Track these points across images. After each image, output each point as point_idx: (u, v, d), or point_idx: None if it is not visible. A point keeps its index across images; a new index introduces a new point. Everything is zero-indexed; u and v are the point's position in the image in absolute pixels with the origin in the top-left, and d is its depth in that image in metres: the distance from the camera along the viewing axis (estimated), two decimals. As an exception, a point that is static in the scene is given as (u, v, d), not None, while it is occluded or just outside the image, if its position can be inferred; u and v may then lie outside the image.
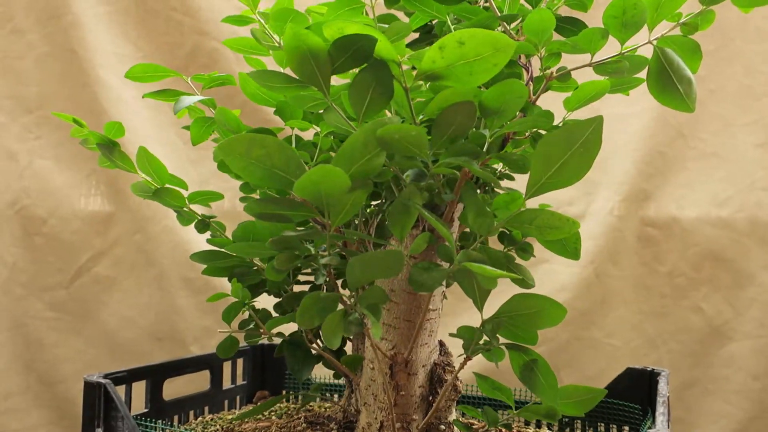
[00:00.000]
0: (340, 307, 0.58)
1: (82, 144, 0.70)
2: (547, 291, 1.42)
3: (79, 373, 1.34)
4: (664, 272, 1.41)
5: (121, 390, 0.82)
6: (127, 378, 0.84)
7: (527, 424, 0.91)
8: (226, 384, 1.03)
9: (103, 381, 0.76)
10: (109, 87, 1.36)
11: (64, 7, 1.35)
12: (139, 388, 0.87)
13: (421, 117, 0.60)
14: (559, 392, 0.62)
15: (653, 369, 0.88)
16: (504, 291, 1.45)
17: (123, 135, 0.72)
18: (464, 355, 0.63)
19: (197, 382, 1.02)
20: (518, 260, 0.80)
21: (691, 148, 1.42)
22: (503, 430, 0.74)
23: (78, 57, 1.35)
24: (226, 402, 1.02)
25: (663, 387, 0.78)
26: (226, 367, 1.03)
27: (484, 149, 0.59)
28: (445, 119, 0.55)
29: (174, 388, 0.95)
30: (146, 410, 0.89)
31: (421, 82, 0.64)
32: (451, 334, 0.66)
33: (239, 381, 1.07)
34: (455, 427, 0.72)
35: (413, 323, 0.68)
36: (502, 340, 0.62)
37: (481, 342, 0.61)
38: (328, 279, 0.64)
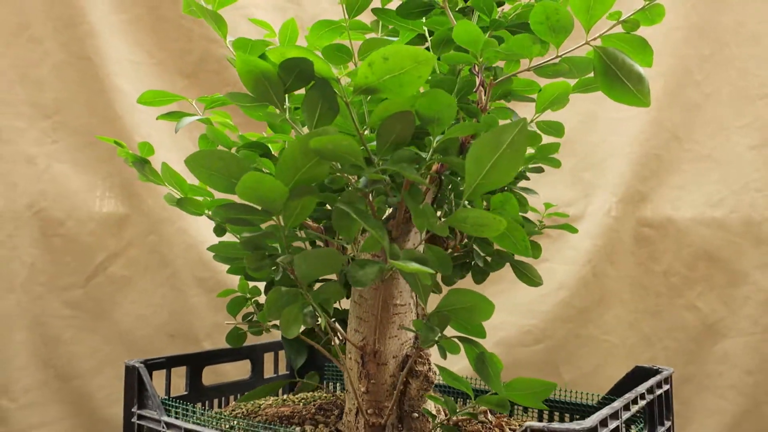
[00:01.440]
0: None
1: (126, 161, 0.76)
2: (546, 290, 1.47)
3: (95, 369, 1.39)
4: (659, 271, 1.45)
5: (162, 375, 0.93)
6: (165, 364, 0.95)
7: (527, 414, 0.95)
8: (268, 374, 1.13)
9: (137, 365, 0.86)
10: (124, 93, 1.41)
11: (79, 16, 1.39)
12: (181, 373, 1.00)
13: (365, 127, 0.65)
14: (514, 384, 0.67)
15: (658, 368, 0.90)
16: (511, 289, 1.49)
17: (153, 154, 0.79)
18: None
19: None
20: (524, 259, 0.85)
21: (686, 151, 1.46)
22: (488, 416, 0.79)
23: (93, 64, 1.40)
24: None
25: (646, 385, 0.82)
26: (268, 357, 1.13)
27: (429, 154, 0.63)
28: (386, 128, 0.61)
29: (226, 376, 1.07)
30: (185, 393, 0.99)
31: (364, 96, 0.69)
32: (402, 327, 0.71)
33: (281, 371, 1.16)
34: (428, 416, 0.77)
35: (380, 317, 0.74)
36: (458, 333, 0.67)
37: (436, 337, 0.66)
38: (291, 276, 0.68)
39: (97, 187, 1.41)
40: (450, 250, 0.87)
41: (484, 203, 0.83)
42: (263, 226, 0.67)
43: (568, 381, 1.46)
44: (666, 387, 0.87)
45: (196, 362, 1.00)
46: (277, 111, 0.63)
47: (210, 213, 0.77)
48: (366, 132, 0.65)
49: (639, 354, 1.45)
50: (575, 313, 1.46)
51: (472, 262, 0.87)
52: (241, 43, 0.70)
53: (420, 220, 0.61)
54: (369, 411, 0.74)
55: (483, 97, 0.69)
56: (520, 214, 0.88)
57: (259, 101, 0.63)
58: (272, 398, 1.03)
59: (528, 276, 0.84)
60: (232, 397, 1.06)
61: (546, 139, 0.83)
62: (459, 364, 1.48)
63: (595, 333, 1.46)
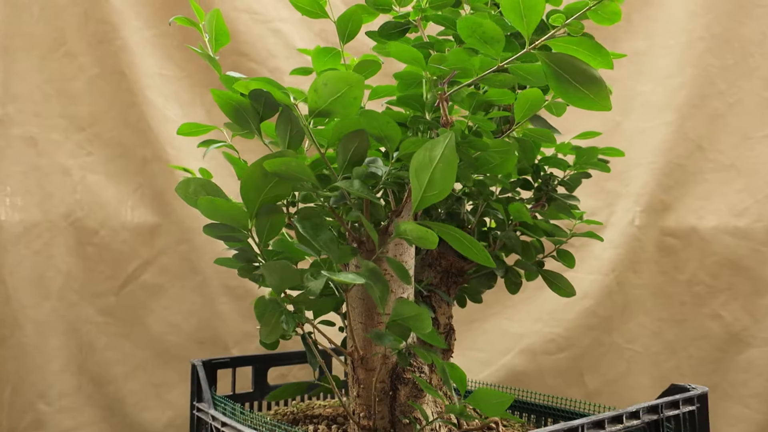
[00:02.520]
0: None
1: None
2: (569, 298, 1.48)
3: (128, 374, 1.43)
4: (683, 280, 1.46)
5: (227, 373, 1.04)
6: (230, 363, 1.04)
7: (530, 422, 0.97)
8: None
9: (196, 363, 0.96)
10: (155, 106, 1.45)
11: (113, 32, 1.44)
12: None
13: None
14: (477, 394, 0.70)
15: (691, 386, 0.87)
16: (535, 297, 1.51)
17: (211, 177, 0.81)
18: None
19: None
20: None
21: (709, 161, 1.47)
22: (492, 426, 0.81)
23: (126, 78, 1.44)
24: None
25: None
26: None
27: (386, 170, 0.68)
28: (342, 147, 0.66)
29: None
30: (251, 391, 1.06)
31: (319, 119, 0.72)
32: (367, 335, 0.74)
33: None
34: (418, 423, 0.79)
35: (365, 325, 0.76)
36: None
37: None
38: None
39: (130, 197, 1.46)
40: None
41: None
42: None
43: (591, 389, 1.47)
44: (690, 407, 0.84)
45: (259, 363, 1.08)
46: (257, 136, 0.70)
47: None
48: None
49: (662, 363, 1.46)
50: (599, 321, 1.47)
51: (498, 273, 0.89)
52: (227, 80, 0.73)
53: (373, 233, 0.66)
54: (361, 414, 0.78)
55: (443, 111, 0.71)
56: (552, 221, 0.90)
57: (242, 129, 0.70)
58: (330, 399, 1.09)
59: (558, 286, 0.86)
60: (298, 398, 1.11)
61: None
62: (482, 373, 1.50)
63: (618, 341, 1.47)
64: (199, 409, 0.94)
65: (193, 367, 0.98)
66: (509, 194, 0.90)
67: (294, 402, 1.10)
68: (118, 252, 1.44)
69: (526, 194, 0.92)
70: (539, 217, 0.91)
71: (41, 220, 1.41)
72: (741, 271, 1.43)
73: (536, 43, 0.61)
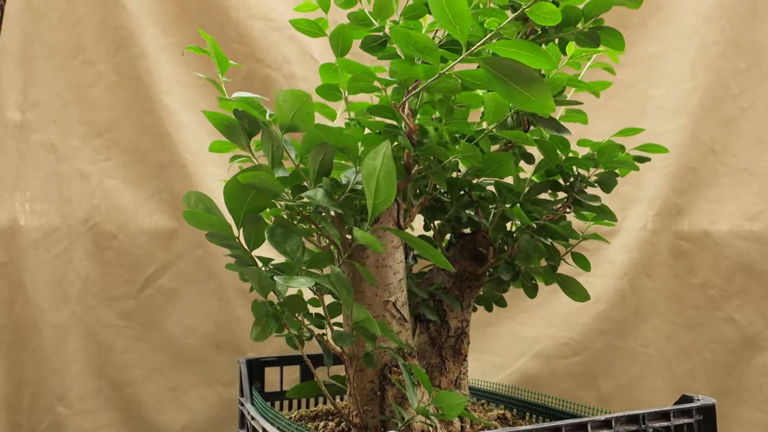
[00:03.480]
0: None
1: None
2: (583, 303, 1.48)
3: (146, 377, 1.45)
4: (696, 284, 1.46)
5: (275, 371, 1.12)
6: (276, 362, 1.11)
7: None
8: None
9: (240, 361, 1.03)
10: (172, 112, 1.47)
11: (131, 39, 1.46)
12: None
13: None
14: (439, 397, 0.73)
15: (698, 397, 0.83)
16: (548, 302, 1.51)
17: None
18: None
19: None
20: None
21: (722, 164, 1.47)
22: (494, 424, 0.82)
23: (144, 85, 1.46)
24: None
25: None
26: None
27: (353, 179, 0.72)
28: (312, 159, 0.71)
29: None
30: None
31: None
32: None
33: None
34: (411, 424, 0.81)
35: (350, 327, 0.78)
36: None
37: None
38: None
39: (147, 202, 1.47)
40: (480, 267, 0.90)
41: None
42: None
43: (605, 393, 1.47)
44: (689, 419, 0.79)
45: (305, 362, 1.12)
46: (247, 150, 0.76)
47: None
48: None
49: (676, 367, 1.46)
50: (612, 325, 1.48)
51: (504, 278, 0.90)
52: (226, 103, 0.76)
53: (336, 240, 0.71)
54: (354, 412, 0.80)
55: (407, 119, 0.74)
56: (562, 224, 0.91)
57: (235, 145, 0.76)
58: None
59: (572, 290, 0.87)
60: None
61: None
62: (496, 376, 1.50)
63: (632, 345, 1.48)
64: (241, 404, 1.01)
65: (239, 364, 1.06)
66: (535, 197, 0.91)
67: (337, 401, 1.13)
68: (135, 256, 1.45)
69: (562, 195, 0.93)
70: (568, 217, 0.91)
71: (60, 224, 1.43)
72: (755, 274, 1.43)
73: (472, 48, 0.62)
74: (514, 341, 1.55)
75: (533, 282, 0.92)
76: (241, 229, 0.72)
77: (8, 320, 1.40)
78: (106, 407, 1.43)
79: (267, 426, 0.83)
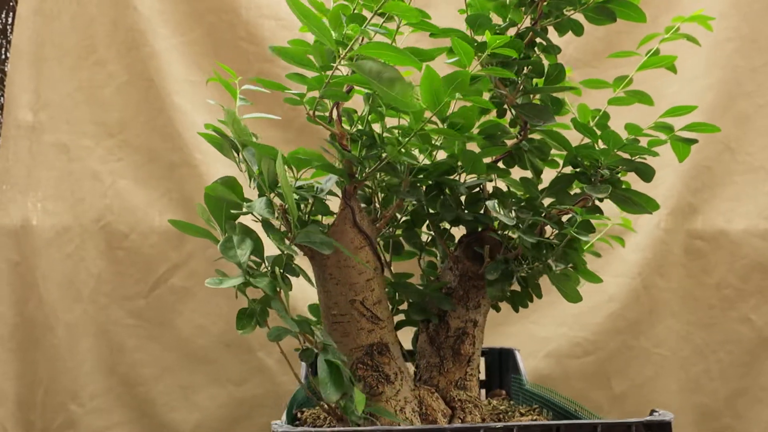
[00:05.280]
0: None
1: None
2: (595, 302, 1.47)
3: (157, 376, 1.45)
4: (712, 284, 1.44)
5: None
6: None
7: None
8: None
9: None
10: (183, 112, 1.47)
11: (142, 39, 1.47)
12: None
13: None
14: (356, 394, 0.75)
15: (657, 411, 0.76)
16: (560, 301, 1.49)
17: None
18: None
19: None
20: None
21: (738, 162, 1.45)
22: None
23: (155, 85, 1.47)
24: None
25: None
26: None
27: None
28: (264, 170, 0.76)
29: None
30: None
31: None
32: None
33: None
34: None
35: (325, 323, 0.85)
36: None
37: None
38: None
39: (158, 202, 1.48)
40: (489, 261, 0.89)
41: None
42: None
43: (618, 393, 1.46)
44: None
45: None
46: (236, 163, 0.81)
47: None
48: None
49: (691, 367, 1.44)
50: (626, 325, 1.46)
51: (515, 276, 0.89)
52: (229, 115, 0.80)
53: (275, 243, 0.77)
54: (334, 407, 0.81)
55: (329, 128, 0.80)
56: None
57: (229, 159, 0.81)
58: None
59: (565, 291, 0.86)
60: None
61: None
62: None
63: (646, 345, 1.46)
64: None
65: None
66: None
67: None
68: (147, 256, 1.46)
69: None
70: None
71: (72, 224, 1.44)
72: (771, 274, 1.41)
73: (343, 54, 0.67)
74: (526, 341, 1.53)
75: (536, 282, 0.90)
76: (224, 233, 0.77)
77: (21, 319, 1.41)
78: (118, 405, 1.44)
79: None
